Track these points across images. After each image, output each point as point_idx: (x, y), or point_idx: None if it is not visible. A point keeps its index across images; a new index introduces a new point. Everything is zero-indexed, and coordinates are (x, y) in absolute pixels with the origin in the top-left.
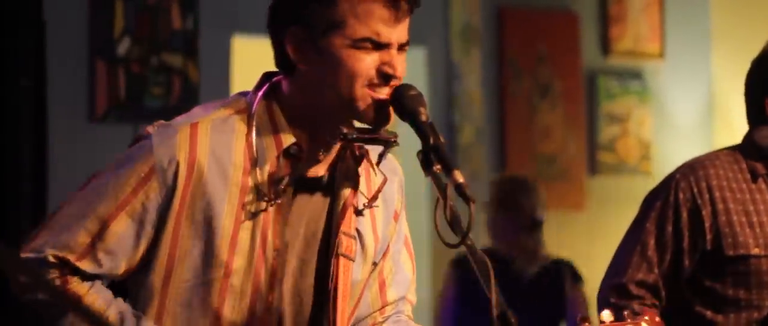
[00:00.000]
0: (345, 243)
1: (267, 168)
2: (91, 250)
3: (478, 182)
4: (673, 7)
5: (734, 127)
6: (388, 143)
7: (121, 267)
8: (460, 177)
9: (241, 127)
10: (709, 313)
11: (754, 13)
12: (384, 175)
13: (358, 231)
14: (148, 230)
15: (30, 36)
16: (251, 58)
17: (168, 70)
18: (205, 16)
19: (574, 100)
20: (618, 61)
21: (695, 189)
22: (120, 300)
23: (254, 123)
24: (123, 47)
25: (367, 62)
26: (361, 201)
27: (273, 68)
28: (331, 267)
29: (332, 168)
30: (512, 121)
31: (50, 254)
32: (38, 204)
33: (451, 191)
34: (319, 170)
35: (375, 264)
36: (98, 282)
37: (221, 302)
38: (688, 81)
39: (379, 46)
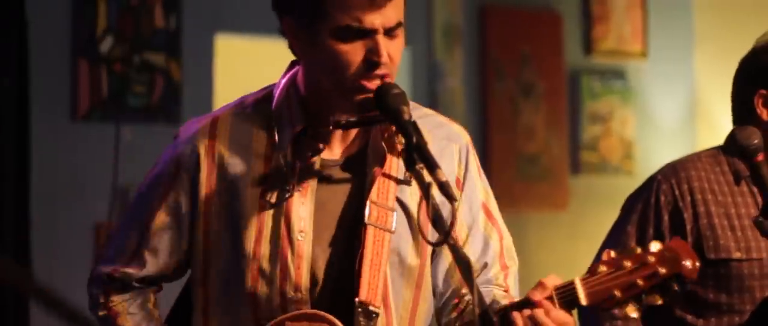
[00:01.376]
0: (375, 212)
1: (287, 154)
2: (137, 252)
3: None
4: (656, 7)
5: (717, 127)
6: (381, 122)
7: (170, 266)
8: (443, 175)
9: (262, 116)
10: (689, 317)
11: (737, 13)
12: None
13: (400, 201)
14: (186, 224)
15: (12, 35)
16: (234, 57)
17: (150, 69)
18: (187, 15)
19: (556, 100)
20: (601, 61)
21: (677, 192)
22: (156, 320)
23: (275, 109)
24: (105, 46)
25: (352, 53)
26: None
27: (256, 69)
28: (360, 237)
29: (357, 146)
30: (495, 120)
31: (105, 271)
32: (20, 203)
33: (433, 190)
34: (339, 152)
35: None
36: (139, 299)
37: (254, 288)
38: (671, 81)
39: (363, 32)
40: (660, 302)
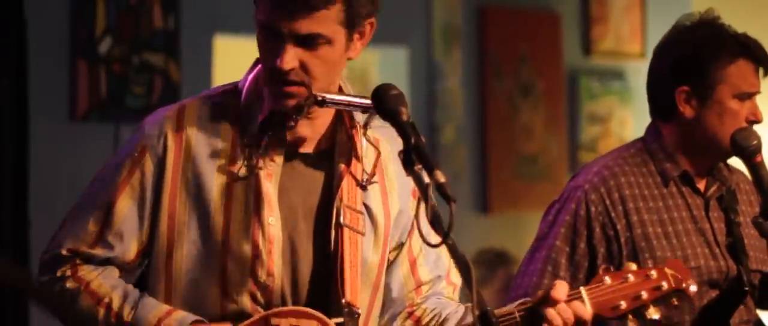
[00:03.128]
0: (349, 215)
1: (253, 138)
2: (101, 236)
3: (459, 182)
4: (654, 7)
5: None
6: (364, 109)
7: (132, 250)
8: (441, 176)
9: (230, 102)
10: None
11: (735, 13)
12: (378, 150)
13: (366, 205)
14: (148, 207)
15: (11, 35)
16: (233, 58)
17: (150, 69)
18: (186, 16)
19: (555, 100)
20: (599, 61)
21: (607, 201)
22: (127, 284)
23: (243, 97)
24: (104, 47)
25: (268, 52)
26: (364, 176)
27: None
28: (333, 238)
29: (329, 143)
30: (493, 120)
31: (64, 249)
32: (19, 204)
33: (432, 191)
34: (309, 146)
35: (402, 244)
36: (109, 268)
37: (225, 272)
38: None
39: (275, 34)
40: (658, 316)
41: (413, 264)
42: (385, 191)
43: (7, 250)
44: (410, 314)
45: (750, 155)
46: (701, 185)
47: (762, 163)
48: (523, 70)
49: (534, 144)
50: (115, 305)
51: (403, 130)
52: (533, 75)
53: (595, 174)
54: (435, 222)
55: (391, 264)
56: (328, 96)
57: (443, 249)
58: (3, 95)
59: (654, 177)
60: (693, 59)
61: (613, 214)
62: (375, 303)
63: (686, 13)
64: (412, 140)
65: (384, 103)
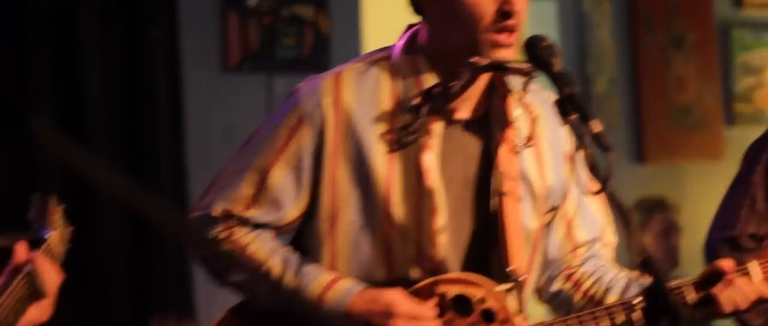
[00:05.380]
0: (507, 183)
1: (414, 107)
2: (256, 200)
3: (613, 132)
4: None
5: None
6: (523, 73)
7: (288, 215)
8: (597, 126)
9: (384, 73)
10: None
11: None
12: (532, 115)
13: (522, 171)
14: (306, 175)
15: None
16: (382, 9)
17: (299, 21)
18: None
19: (707, 51)
20: (752, 12)
21: None
22: (286, 248)
23: (397, 68)
24: (253, 0)
25: (483, 5)
26: (520, 141)
27: (403, 20)
28: (496, 206)
29: (483, 109)
30: (646, 71)
31: (216, 211)
32: (175, 151)
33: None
34: (465, 112)
35: (555, 208)
36: (265, 232)
37: (388, 241)
38: None
39: None
40: None
41: (569, 226)
42: (540, 155)
43: (166, 196)
44: (569, 276)
45: None
46: None
47: None
48: (674, 21)
49: (688, 94)
50: (276, 272)
51: (556, 80)
52: (684, 26)
53: None
54: (594, 170)
55: (548, 226)
56: (485, 63)
57: (597, 209)
58: (156, 47)
59: None
60: None
61: None
62: (534, 266)
63: None
64: (566, 90)
65: (536, 55)
